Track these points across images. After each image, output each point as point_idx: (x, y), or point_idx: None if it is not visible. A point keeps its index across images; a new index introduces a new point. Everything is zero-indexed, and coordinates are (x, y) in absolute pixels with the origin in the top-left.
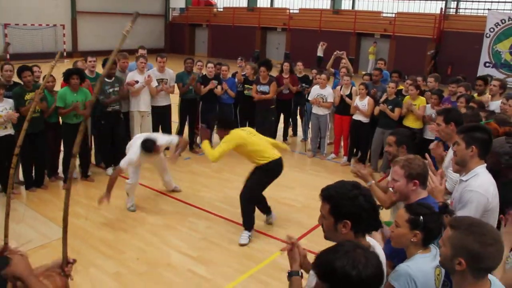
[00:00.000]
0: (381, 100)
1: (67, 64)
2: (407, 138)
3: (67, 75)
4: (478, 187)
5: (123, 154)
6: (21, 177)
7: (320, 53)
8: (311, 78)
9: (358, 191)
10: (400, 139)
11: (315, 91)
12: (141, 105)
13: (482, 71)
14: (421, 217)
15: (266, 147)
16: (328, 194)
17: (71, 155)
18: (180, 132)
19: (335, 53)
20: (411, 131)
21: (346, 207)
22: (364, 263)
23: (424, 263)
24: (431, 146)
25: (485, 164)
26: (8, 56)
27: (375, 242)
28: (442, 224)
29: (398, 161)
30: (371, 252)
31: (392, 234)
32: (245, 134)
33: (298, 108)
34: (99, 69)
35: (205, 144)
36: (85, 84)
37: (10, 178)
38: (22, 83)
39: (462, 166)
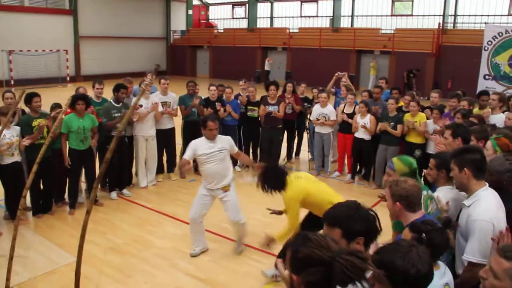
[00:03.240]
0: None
1: (70, 89)
2: (447, 162)
3: (73, 101)
4: (481, 215)
5: (127, 178)
6: (28, 203)
7: (267, 67)
8: (311, 97)
9: (363, 209)
10: (440, 163)
11: (316, 111)
12: (146, 130)
13: (482, 83)
14: (424, 234)
15: (331, 193)
16: (337, 219)
17: (77, 181)
18: (183, 154)
19: (336, 74)
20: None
21: (357, 227)
22: (421, 261)
23: (434, 280)
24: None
25: (486, 185)
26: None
27: None
28: (448, 239)
29: (389, 181)
30: (422, 250)
31: None
32: (305, 183)
33: (296, 128)
34: (105, 95)
35: (279, 236)
36: (89, 109)
37: None
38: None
39: (463, 190)
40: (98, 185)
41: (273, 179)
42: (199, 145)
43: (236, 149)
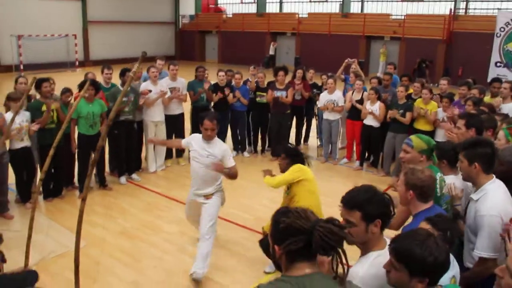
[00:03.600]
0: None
1: (79, 74)
2: (448, 152)
3: (82, 86)
4: (490, 209)
5: (136, 163)
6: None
7: (271, 52)
8: (320, 84)
9: (379, 192)
10: (440, 154)
11: (324, 97)
12: (155, 115)
13: (493, 70)
14: (449, 232)
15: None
16: (357, 203)
17: (86, 166)
18: None
19: (346, 60)
20: (452, 144)
21: (376, 210)
22: (438, 250)
23: None
24: None
25: (494, 178)
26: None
27: None
28: (459, 230)
29: (405, 168)
30: (439, 239)
31: None
32: (311, 172)
33: (305, 115)
34: (114, 80)
35: (266, 179)
36: (98, 95)
37: None
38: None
39: (470, 182)
40: (92, 172)
41: (295, 154)
42: (195, 140)
43: (231, 163)
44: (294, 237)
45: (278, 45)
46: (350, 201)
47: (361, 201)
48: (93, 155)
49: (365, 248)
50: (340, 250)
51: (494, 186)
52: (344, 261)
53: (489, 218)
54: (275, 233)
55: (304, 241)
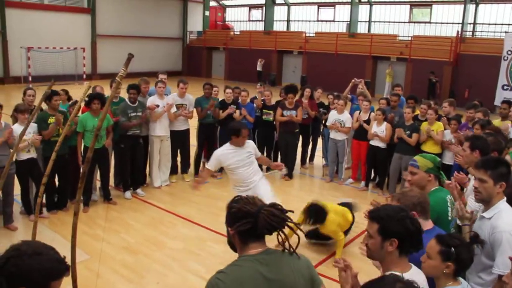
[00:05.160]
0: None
1: (87, 87)
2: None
3: (89, 100)
4: (507, 225)
5: (141, 178)
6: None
7: (259, 68)
8: (326, 103)
9: (405, 213)
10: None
11: (332, 117)
12: (160, 130)
13: (500, 94)
14: (453, 249)
15: None
16: (377, 215)
17: (91, 179)
18: (198, 156)
19: (353, 80)
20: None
21: (394, 228)
22: None
23: None
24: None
25: (505, 198)
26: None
27: (417, 269)
28: (473, 255)
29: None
30: (412, 286)
31: (424, 264)
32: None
33: (311, 134)
34: (122, 94)
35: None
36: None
37: None
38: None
39: (486, 202)
40: (82, 185)
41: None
42: (226, 155)
43: (259, 152)
44: (243, 220)
45: (285, 63)
46: (373, 212)
47: (382, 215)
48: (98, 168)
49: (384, 268)
50: (283, 230)
51: (506, 206)
52: (286, 237)
53: (507, 234)
54: (228, 217)
55: (252, 223)
